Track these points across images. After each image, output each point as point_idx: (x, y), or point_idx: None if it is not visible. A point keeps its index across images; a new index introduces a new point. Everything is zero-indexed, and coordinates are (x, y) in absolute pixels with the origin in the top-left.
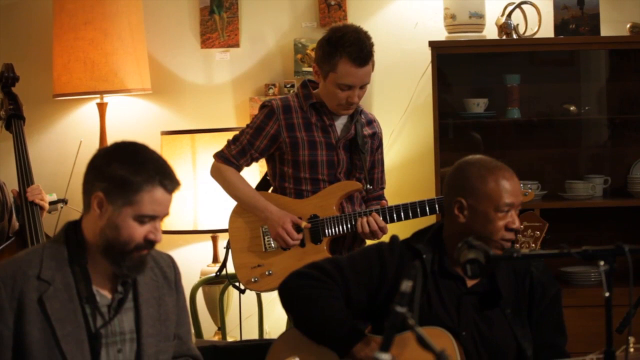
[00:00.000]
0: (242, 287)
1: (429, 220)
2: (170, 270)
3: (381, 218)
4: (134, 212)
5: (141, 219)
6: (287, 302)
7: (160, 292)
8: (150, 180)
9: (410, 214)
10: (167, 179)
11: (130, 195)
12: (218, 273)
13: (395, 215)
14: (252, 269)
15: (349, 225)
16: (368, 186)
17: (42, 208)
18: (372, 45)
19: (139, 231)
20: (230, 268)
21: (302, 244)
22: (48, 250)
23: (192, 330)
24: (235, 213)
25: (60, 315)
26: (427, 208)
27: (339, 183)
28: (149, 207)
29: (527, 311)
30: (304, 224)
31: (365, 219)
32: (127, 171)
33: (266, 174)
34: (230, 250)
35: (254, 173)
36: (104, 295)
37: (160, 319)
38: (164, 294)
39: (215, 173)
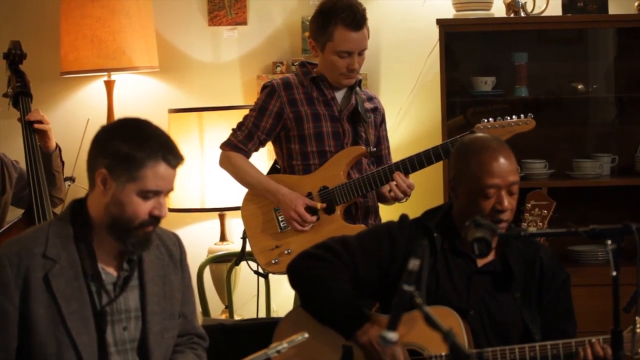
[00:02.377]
0: (261, 270)
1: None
2: (175, 249)
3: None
4: (137, 188)
5: (145, 195)
6: (294, 283)
7: (166, 270)
8: (153, 156)
9: (425, 162)
10: (171, 154)
11: (133, 171)
12: (238, 262)
13: (409, 167)
14: (271, 251)
15: (360, 191)
16: (372, 148)
17: (44, 134)
18: (364, 10)
19: (143, 207)
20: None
21: (317, 217)
22: (53, 228)
23: (199, 309)
24: (246, 200)
25: (66, 292)
26: (442, 153)
27: (342, 151)
28: (153, 183)
29: (537, 297)
30: (319, 205)
31: (391, 183)
32: (130, 147)
33: (275, 162)
34: (247, 239)
35: (263, 159)
36: (109, 273)
37: (166, 297)
38: (169, 272)
39: (225, 162)
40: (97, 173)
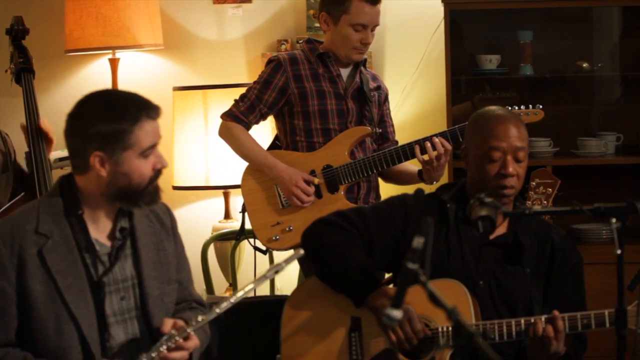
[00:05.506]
0: (262, 247)
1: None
2: (166, 217)
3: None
4: (135, 152)
5: (145, 154)
6: (309, 249)
7: (158, 237)
8: (136, 119)
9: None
10: (149, 109)
11: (126, 140)
12: (238, 237)
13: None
14: (272, 228)
15: (364, 172)
16: (377, 130)
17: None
18: None
19: (147, 166)
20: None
21: (319, 195)
22: (43, 204)
23: (204, 287)
24: (247, 174)
25: (61, 267)
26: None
27: (347, 130)
28: (146, 140)
29: (545, 277)
30: (316, 180)
31: (429, 142)
32: (113, 123)
33: (276, 137)
34: (246, 213)
35: (265, 132)
36: (103, 243)
37: (161, 262)
38: (162, 239)
39: (224, 132)
40: (91, 158)
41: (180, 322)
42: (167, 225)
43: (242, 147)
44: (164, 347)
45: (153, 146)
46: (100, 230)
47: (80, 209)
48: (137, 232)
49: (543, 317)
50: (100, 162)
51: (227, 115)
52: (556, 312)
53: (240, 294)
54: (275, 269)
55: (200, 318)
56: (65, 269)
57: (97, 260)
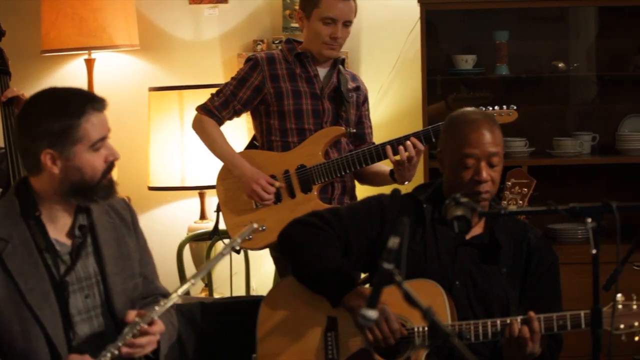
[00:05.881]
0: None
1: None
2: (126, 212)
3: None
4: (84, 145)
5: (94, 147)
6: (286, 249)
7: (119, 232)
8: (82, 112)
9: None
10: (94, 102)
11: (74, 135)
12: (211, 236)
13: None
14: (245, 227)
15: (338, 172)
16: (352, 129)
17: (19, 101)
18: None
19: (98, 159)
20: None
21: (293, 194)
22: (0, 209)
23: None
24: (222, 174)
25: (22, 270)
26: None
27: (321, 130)
28: (94, 133)
29: (521, 277)
30: (277, 183)
31: (401, 145)
32: (59, 119)
33: (254, 138)
34: (220, 213)
35: (242, 134)
36: (63, 243)
37: (123, 257)
38: (123, 234)
39: (197, 125)
40: (42, 156)
41: (143, 312)
42: (127, 220)
43: (213, 143)
44: (130, 335)
45: (103, 139)
46: (59, 229)
47: (37, 210)
48: (98, 229)
49: (519, 318)
50: (52, 159)
51: (201, 109)
52: (532, 313)
53: (199, 275)
54: (231, 245)
55: (162, 302)
56: (26, 271)
57: (59, 260)
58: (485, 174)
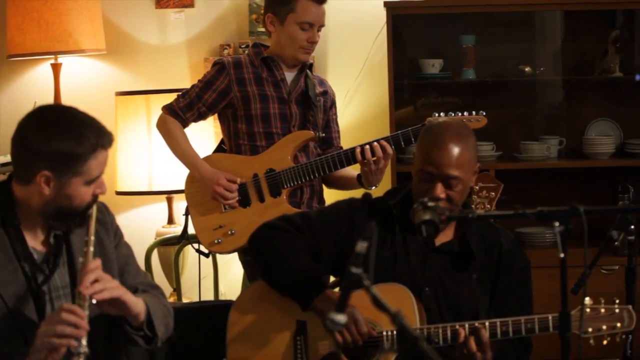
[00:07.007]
0: (205, 250)
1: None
2: (102, 215)
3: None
4: (83, 180)
5: (90, 182)
6: (255, 253)
7: (95, 236)
8: (93, 148)
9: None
10: (105, 139)
11: (78, 167)
12: (180, 240)
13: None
14: (214, 231)
15: (307, 176)
16: (321, 133)
17: None
18: None
19: (89, 192)
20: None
21: (262, 198)
22: None
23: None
24: (191, 178)
25: (2, 277)
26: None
27: (290, 134)
28: (96, 170)
29: (492, 281)
30: (238, 179)
31: (369, 146)
32: (68, 145)
33: (222, 141)
34: (189, 217)
35: (209, 136)
36: (40, 252)
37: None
38: (101, 237)
39: (161, 124)
40: (38, 176)
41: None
42: (105, 221)
43: (174, 143)
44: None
45: (100, 175)
46: (37, 238)
47: (17, 219)
48: (72, 236)
49: (466, 325)
50: (47, 181)
51: (166, 109)
52: (478, 324)
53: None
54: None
55: (80, 259)
56: (6, 279)
57: (36, 269)
58: (439, 191)
